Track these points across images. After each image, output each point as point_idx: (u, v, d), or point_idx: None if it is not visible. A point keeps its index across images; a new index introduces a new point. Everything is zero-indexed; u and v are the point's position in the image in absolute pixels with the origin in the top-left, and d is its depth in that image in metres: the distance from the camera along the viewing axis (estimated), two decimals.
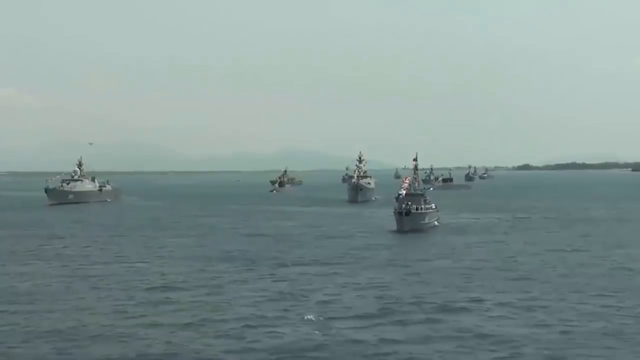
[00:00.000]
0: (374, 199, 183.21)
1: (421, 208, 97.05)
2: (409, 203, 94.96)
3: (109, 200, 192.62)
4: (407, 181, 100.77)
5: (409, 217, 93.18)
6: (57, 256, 72.22)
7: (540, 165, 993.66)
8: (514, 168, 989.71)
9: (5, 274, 60.32)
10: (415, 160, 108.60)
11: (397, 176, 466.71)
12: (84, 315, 43.49)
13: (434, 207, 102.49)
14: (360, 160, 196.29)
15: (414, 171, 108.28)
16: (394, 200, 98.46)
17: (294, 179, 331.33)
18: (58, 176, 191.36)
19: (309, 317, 42.19)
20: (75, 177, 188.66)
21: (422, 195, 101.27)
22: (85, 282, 55.93)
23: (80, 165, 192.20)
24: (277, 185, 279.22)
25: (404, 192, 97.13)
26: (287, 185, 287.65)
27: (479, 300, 46.66)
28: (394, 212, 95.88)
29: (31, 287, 53.64)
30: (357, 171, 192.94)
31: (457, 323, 40.53)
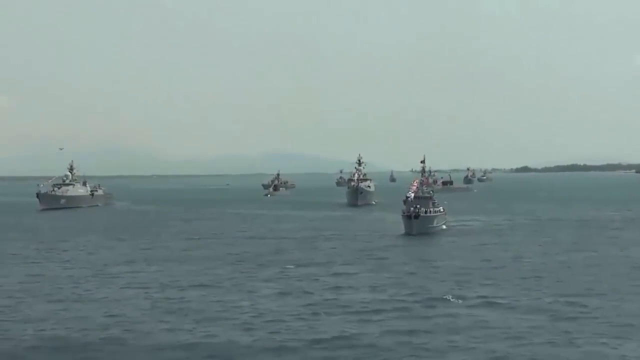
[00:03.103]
0: (374, 202, 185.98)
1: (430, 211, 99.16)
2: (418, 206, 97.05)
3: (100, 205, 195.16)
4: (415, 184, 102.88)
5: (417, 220, 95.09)
6: (70, 259, 75.65)
7: (539, 167, 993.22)
8: (512, 170, 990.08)
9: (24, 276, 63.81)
10: (423, 162, 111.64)
11: (393, 179, 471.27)
12: (109, 311, 47.44)
13: (442, 210, 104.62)
14: (359, 163, 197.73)
15: (422, 173, 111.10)
16: (402, 202, 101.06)
17: (287, 182, 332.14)
18: (50, 180, 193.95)
19: (324, 313, 45.99)
20: (67, 182, 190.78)
21: (431, 197, 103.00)
22: (102, 282, 59.77)
23: (71, 169, 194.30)
24: (271, 189, 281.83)
25: (412, 194, 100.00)
26: (281, 189, 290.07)
27: (498, 298, 50.09)
28: (402, 215, 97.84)
29: (52, 286, 57.63)
30: (356, 174, 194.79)
31: (476, 317, 44.15)
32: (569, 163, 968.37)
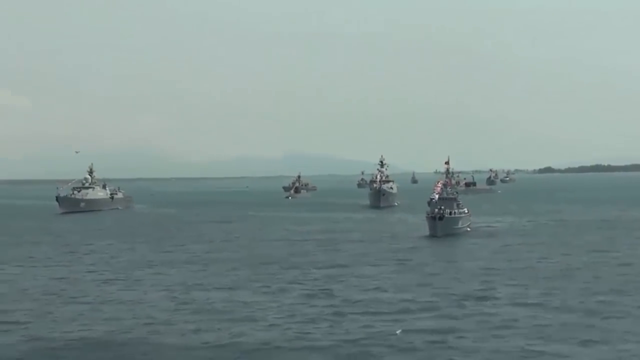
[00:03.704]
0: (396, 204, 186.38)
1: (454, 212, 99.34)
2: (442, 207, 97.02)
3: (120, 208, 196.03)
4: (439, 185, 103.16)
5: (442, 222, 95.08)
6: (93, 262, 76.28)
7: (562, 168, 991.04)
8: (534, 171, 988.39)
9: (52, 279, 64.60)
10: (447, 163, 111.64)
11: (415, 181, 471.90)
12: (135, 313, 48.12)
13: (466, 211, 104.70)
14: (382, 165, 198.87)
15: (446, 175, 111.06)
16: (427, 204, 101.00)
17: (308, 184, 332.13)
18: (69, 184, 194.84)
19: (350, 313, 46.39)
20: (87, 185, 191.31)
21: (455, 199, 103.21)
22: (126, 285, 60.54)
23: (91, 172, 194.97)
24: (292, 191, 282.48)
25: (437, 196, 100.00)
26: (302, 191, 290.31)
27: (525, 297, 50.48)
28: (427, 217, 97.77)
29: (79, 288, 58.27)
30: (379, 175, 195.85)
31: (504, 317, 44.45)
32: (593, 164, 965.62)
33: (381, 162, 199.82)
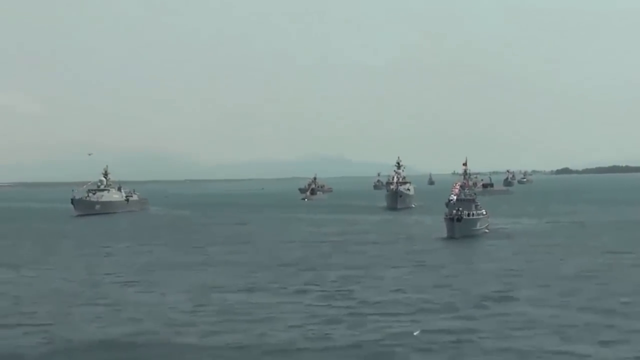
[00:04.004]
0: (413, 205, 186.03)
1: (473, 214, 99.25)
2: (460, 209, 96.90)
3: (135, 210, 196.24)
4: (457, 186, 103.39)
5: (460, 223, 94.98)
6: (110, 264, 76.89)
7: (580, 169, 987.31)
8: (552, 172, 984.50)
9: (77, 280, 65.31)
10: (465, 164, 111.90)
11: (431, 182, 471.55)
12: (154, 314, 48.63)
13: (484, 212, 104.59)
14: (398, 166, 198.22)
15: (464, 176, 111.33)
16: (445, 205, 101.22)
17: (324, 186, 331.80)
18: (84, 186, 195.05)
19: (369, 314, 46.83)
20: (102, 187, 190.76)
21: (473, 200, 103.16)
22: (144, 287, 61.04)
23: (106, 174, 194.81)
24: (308, 193, 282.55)
25: (455, 197, 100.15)
26: (318, 193, 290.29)
27: (545, 298, 50.84)
28: (445, 218, 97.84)
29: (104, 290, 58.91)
30: (396, 177, 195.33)
31: (524, 317, 44.78)
32: (610, 165, 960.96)
33: (398, 163, 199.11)
